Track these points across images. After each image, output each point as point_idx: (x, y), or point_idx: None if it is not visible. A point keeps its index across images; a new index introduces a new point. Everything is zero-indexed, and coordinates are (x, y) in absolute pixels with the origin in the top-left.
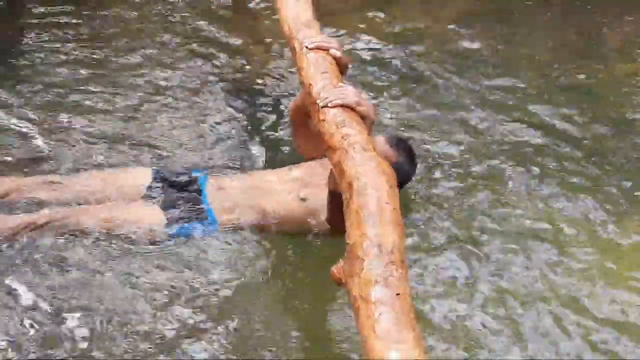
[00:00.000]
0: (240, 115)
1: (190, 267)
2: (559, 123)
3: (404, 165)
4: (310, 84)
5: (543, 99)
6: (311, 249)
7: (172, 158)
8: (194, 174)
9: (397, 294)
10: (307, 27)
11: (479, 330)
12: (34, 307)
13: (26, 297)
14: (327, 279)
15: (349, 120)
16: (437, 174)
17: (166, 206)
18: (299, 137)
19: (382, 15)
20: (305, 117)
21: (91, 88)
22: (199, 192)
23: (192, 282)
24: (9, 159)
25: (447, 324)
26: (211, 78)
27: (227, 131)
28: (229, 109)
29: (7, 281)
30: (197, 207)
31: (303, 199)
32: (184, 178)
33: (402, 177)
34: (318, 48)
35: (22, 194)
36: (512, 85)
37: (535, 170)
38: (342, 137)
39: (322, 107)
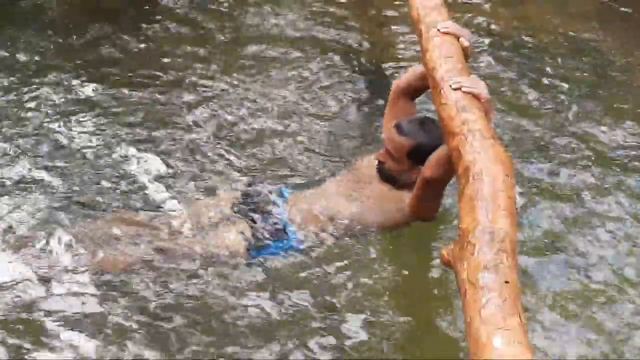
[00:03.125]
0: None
1: (282, 285)
2: None
3: (423, 142)
4: (434, 67)
5: None
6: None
7: (257, 173)
8: (273, 191)
9: (506, 282)
10: (436, 11)
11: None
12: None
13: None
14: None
15: (469, 106)
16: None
17: (250, 226)
18: (389, 119)
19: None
20: (404, 99)
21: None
22: (278, 209)
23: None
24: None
25: None
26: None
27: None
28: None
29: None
30: (278, 226)
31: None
32: (265, 197)
33: (427, 150)
34: (449, 34)
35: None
36: None
37: None
38: (462, 123)
39: (455, 89)
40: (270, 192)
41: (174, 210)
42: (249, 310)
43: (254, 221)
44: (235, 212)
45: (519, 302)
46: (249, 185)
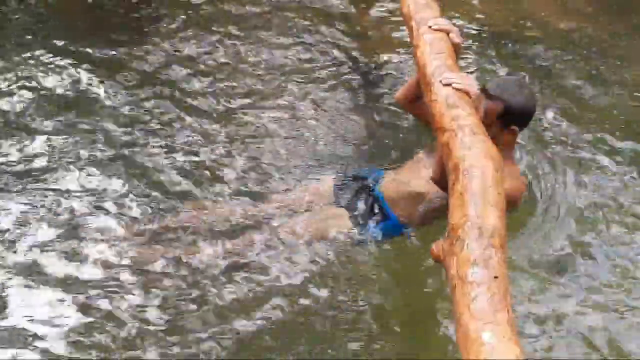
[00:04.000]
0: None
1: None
2: None
3: (516, 102)
4: (425, 64)
5: None
6: None
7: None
8: (368, 174)
9: (495, 277)
10: (427, 7)
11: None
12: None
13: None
14: None
15: (460, 102)
16: None
17: (351, 210)
18: (415, 114)
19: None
20: (411, 106)
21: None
22: (375, 192)
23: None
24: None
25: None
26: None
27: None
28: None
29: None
30: (378, 207)
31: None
32: (362, 180)
33: (522, 109)
34: (440, 30)
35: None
36: None
37: None
38: (452, 119)
39: (445, 85)
40: (366, 177)
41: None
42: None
43: (355, 208)
44: (337, 198)
45: (509, 296)
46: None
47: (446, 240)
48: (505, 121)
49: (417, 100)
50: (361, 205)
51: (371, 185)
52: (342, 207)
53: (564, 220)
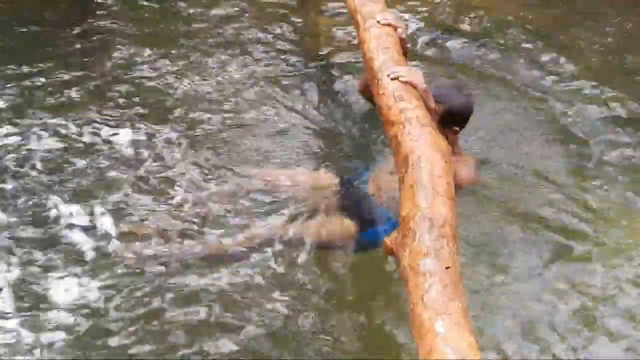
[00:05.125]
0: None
1: None
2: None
3: (454, 105)
4: (372, 58)
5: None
6: None
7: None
8: (360, 174)
9: (447, 268)
10: (372, 1)
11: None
12: None
13: None
14: None
15: (407, 95)
16: None
17: (350, 211)
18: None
19: None
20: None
21: None
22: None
23: None
24: None
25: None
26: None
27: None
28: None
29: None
30: (373, 209)
31: None
32: (356, 181)
33: (461, 112)
34: (388, 25)
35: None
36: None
37: None
38: (400, 111)
39: (392, 79)
40: (355, 179)
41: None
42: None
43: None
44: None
45: (461, 286)
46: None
47: (399, 233)
48: (447, 122)
49: None
50: (363, 210)
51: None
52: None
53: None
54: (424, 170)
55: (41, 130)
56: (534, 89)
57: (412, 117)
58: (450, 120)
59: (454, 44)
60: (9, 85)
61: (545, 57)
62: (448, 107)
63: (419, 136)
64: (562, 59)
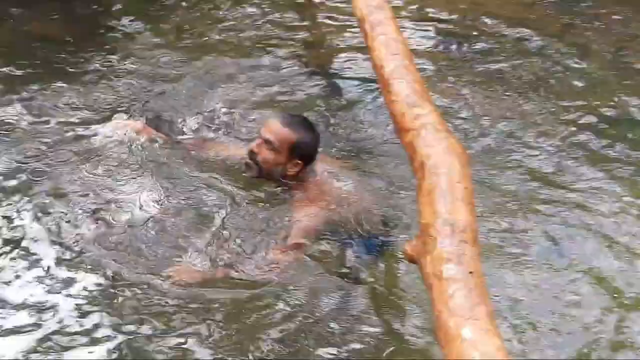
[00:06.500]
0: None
1: None
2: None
3: (305, 138)
4: (381, 66)
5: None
6: None
7: None
8: None
9: (470, 272)
10: (380, 9)
11: None
12: None
13: None
14: None
15: (420, 101)
16: None
17: None
18: None
19: None
20: None
21: None
22: None
23: None
24: None
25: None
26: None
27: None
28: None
29: None
30: None
31: None
32: None
33: (308, 149)
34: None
35: None
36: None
37: None
38: (414, 118)
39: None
40: None
41: None
42: None
43: None
44: None
45: (485, 289)
46: None
47: (419, 240)
48: (292, 155)
49: None
50: None
51: None
52: None
53: None
54: (441, 176)
55: None
56: (535, 90)
57: (427, 123)
58: (297, 153)
59: (461, 47)
60: None
61: (550, 58)
62: (297, 140)
63: (434, 142)
64: (569, 59)
